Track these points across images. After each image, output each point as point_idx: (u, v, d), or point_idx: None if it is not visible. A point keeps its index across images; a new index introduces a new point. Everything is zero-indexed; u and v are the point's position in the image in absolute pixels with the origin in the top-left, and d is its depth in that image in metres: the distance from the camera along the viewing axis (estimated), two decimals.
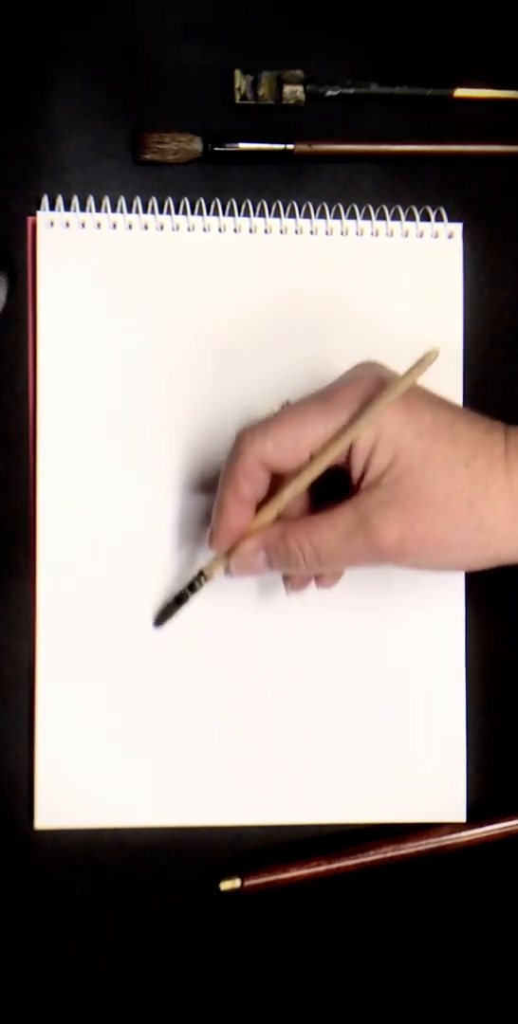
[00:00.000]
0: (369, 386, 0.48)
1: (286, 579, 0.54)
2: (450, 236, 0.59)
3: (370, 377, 0.49)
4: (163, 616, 0.56)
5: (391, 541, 0.48)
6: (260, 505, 0.51)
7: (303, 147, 0.58)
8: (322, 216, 0.58)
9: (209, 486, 0.57)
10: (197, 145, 0.58)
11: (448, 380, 0.58)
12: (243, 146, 0.58)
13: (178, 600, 0.56)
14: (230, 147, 0.58)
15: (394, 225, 0.59)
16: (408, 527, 0.47)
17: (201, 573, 0.54)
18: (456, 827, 0.58)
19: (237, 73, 0.58)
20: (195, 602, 0.56)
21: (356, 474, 0.49)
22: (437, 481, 0.47)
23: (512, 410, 0.59)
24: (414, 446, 0.48)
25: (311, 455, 0.49)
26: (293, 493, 0.50)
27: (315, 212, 0.58)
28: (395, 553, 0.48)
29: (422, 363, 0.47)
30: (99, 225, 0.57)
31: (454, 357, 0.59)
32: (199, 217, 0.58)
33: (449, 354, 0.58)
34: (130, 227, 0.57)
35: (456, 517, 0.47)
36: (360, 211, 0.59)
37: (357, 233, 0.59)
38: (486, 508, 0.47)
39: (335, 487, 0.51)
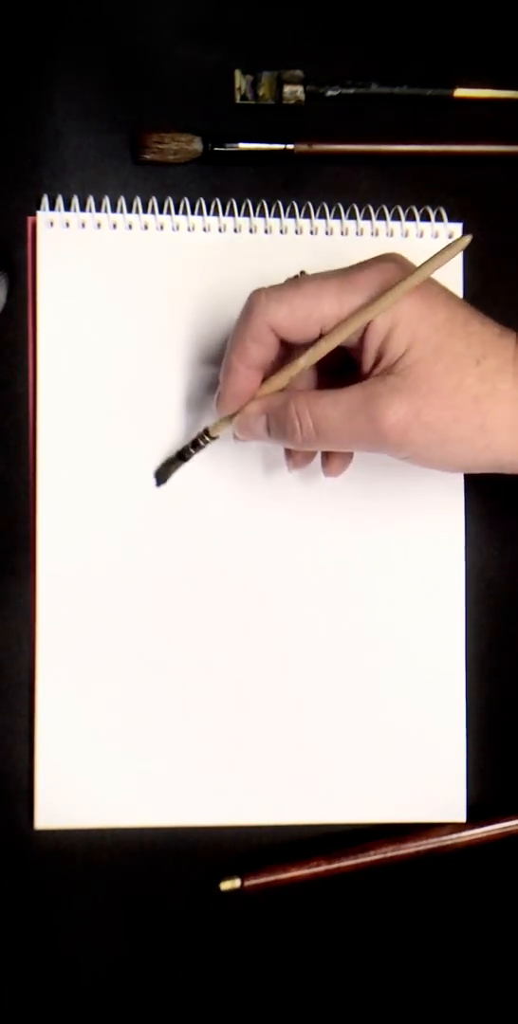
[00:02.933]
0: (390, 272, 0.48)
1: (288, 454, 0.54)
2: (450, 236, 0.59)
3: (392, 264, 0.49)
4: (164, 471, 0.56)
5: (395, 424, 0.48)
6: (270, 373, 0.51)
7: (303, 147, 0.58)
8: (322, 216, 0.58)
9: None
10: (197, 145, 0.58)
11: None
12: (243, 146, 0.58)
13: (181, 456, 0.55)
14: (230, 147, 0.58)
15: (394, 225, 0.59)
16: (413, 413, 0.48)
17: (206, 431, 0.54)
18: (456, 827, 0.58)
19: (237, 73, 0.58)
20: (182, 593, 0.57)
21: (368, 359, 0.49)
22: (447, 374, 0.48)
23: None
24: (429, 338, 0.48)
25: (322, 331, 0.49)
26: (307, 362, 0.50)
27: (315, 212, 0.58)
28: (396, 438, 0.48)
29: (447, 251, 0.47)
30: (99, 225, 0.57)
31: None
32: (199, 217, 0.58)
33: None
34: (130, 227, 0.57)
35: (462, 412, 0.48)
36: (360, 211, 0.59)
37: (357, 233, 0.59)
38: (490, 408, 0.48)
39: (342, 375, 0.51)
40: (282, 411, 0.50)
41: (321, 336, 0.49)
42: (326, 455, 0.54)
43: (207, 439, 0.54)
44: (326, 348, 0.49)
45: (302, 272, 0.52)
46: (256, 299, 0.50)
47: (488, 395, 0.48)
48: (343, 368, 0.51)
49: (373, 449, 0.49)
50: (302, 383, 0.52)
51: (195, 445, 0.55)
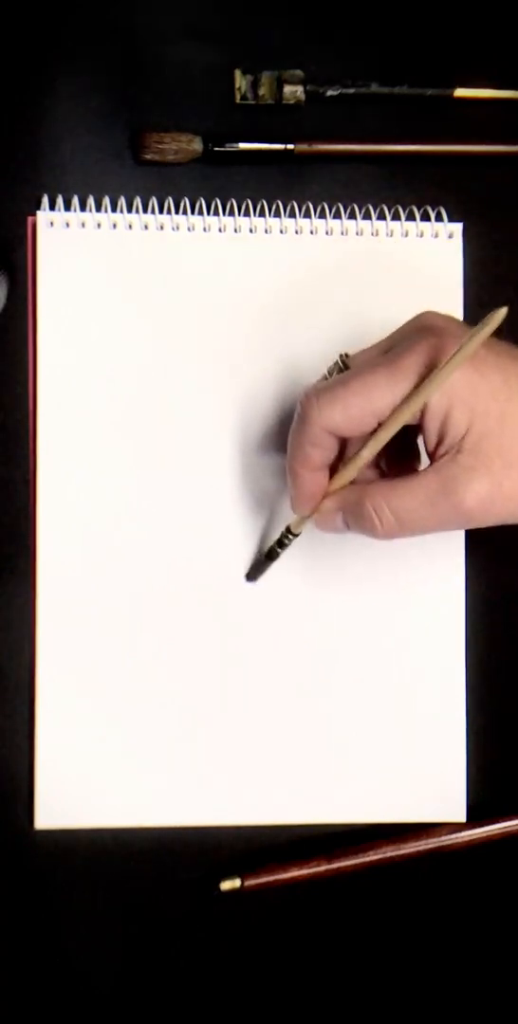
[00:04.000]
0: (434, 347, 0.48)
1: None
2: (450, 236, 0.59)
3: (434, 337, 0.48)
4: (255, 572, 0.57)
5: (479, 504, 0.48)
6: (335, 465, 0.52)
7: (303, 147, 0.58)
8: (322, 216, 0.58)
9: (207, 484, 0.57)
10: (197, 145, 0.58)
11: None
12: (243, 146, 0.58)
13: (269, 556, 0.56)
14: (230, 147, 0.58)
15: (394, 225, 0.59)
16: (496, 489, 0.48)
17: (288, 529, 0.55)
18: (456, 827, 0.58)
19: (237, 73, 0.58)
20: (182, 593, 0.57)
21: (431, 440, 0.49)
22: (516, 441, 0.48)
23: None
24: (490, 409, 0.48)
25: (379, 422, 0.49)
26: (370, 454, 0.50)
27: (315, 212, 0.58)
28: (481, 516, 0.48)
29: (489, 323, 0.47)
30: (99, 225, 0.57)
31: None
32: (199, 217, 0.58)
33: None
34: (130, 227, 0.57)
35: None
36: (360, 211, 0.59)
37: (357, 233, 0.59)
38: None
39: (404, 448, 0.52)
40: (358, 508, 0.50)
41: (379, 427, 0.49)
42: None
43: (291, 537, 0.55)
44: (385, 438, 0.49)
45: (344, 355, 0.52)
46: (308, 406, 0.49)
47: None
48: (405, 447, 0.52)
49: (456, 528, 0.50)
50: (367, 468, 0.52)
51: (280, 544, 0.56)
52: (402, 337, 0.50)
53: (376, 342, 0.51)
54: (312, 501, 0.52)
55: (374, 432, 0.49)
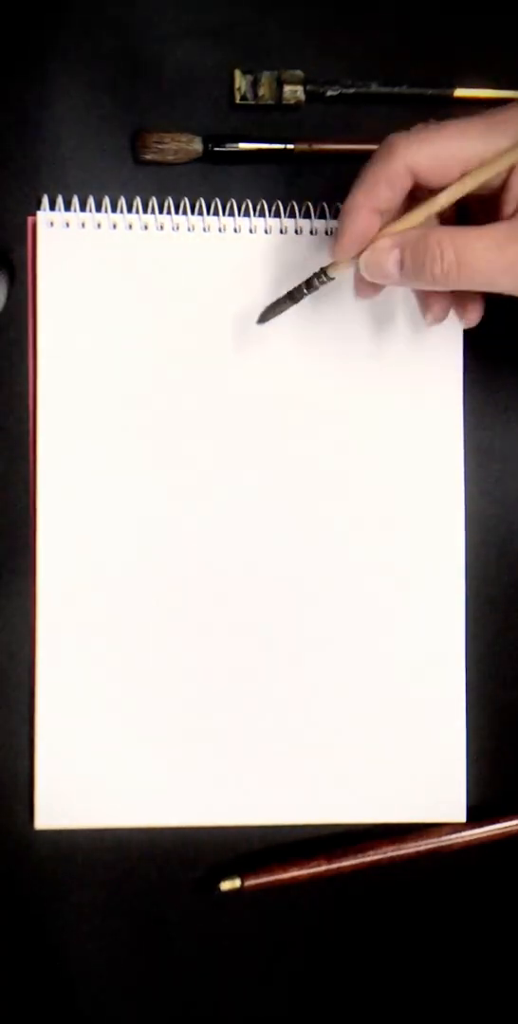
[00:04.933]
0: None
1: (425, 303, 0.54)
2: None
3: None
4: (270, 312, 0.53)
5: None
6: (388, 222, 0.50)
7: (303, 147, 0.58)
8: (322, 216, 0.58)
9: (207, 484, 0.57)
10: (197, 145, 0.58)
11: (448, 379, 0.59)
12: (243, 146, 0.58)
13: (291, 296, 0.53)
14: (230, 147, 0.58)
15: None
16: None
17: (323, 271, 0.51)
18: (456, 827, 0.58)
19: (237, 73, 0.58)
20: (181, 593, 0.57)
21: (512, 200, 0.48)
22: None
23: (513, 409, 0.59)
24: None
25: (462, 174, 0.48)
26: (449, 200, 0.48)
27: (315, 212, 0.58)
28: None
29: None
30: (99, 225, 0.57)
31: (454, 356, 0.59)
32: (199, 217, 0.58)
33: (448, 353, 0.59)
34: (130, 227, 0.57)
35: None
36: None
37: None
38: None
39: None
40: (421, 243, 0.48)
41: (462, 177, 0.48)
42: (460, 303, 0.54)
43: (324, 278, 0.51)
44: (471, 185, 0.48)
45: (431, 120, 0.50)
46: (397, 140, 0.48)
47: None
48: (463, 222, 0.51)
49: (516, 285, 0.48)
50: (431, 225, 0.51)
51: (309, 285, 0.52)
52: (502, 107, 0.49)
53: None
54: (359, 243, 0.50)
55: (456, 182, 0.48)
